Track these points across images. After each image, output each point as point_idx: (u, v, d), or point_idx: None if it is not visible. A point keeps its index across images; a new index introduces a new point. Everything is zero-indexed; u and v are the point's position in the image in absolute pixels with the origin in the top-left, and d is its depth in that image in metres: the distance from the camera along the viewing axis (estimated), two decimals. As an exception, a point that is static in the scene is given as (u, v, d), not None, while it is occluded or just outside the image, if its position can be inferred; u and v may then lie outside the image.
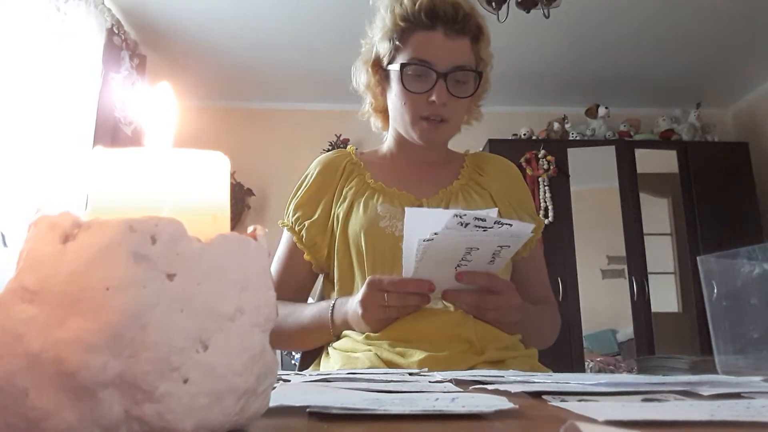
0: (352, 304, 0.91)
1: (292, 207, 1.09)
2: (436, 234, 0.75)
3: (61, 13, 2.59)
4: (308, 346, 1.06)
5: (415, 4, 1.00)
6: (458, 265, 0.84)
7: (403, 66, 1.01)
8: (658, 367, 2.32)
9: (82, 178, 2.56)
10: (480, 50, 1.06)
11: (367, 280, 0.89)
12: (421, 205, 1.03)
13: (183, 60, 3.60)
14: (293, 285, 1.09)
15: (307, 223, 1.05)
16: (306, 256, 1.05)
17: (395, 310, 0.88)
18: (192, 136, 0.42)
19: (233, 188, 3.83)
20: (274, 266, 1.10)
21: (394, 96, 1.06)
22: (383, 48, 1.06)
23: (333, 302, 0.96)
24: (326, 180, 1.09)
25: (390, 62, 1.05)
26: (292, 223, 1.07)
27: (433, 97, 0.99)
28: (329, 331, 0.95)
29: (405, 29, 1.02)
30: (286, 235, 1.10)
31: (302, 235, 1.05)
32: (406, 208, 0.82)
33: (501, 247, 0.80)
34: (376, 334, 0.91)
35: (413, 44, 1.02)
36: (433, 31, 1.00)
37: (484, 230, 0.76)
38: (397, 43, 1.03)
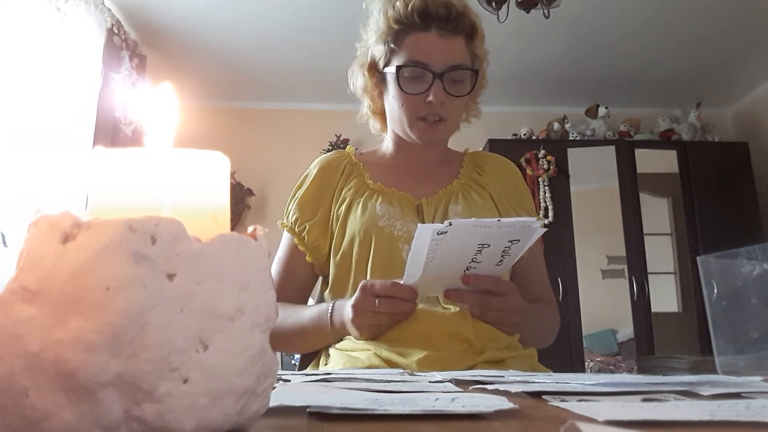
0: (346, 307, 0.90)
1: (291, 207, 1.09)
2: (450, 224, 0.75)
3: (61, 13, 2.59)
4: (306, 349, 1.05)
5: (407, 6, 1.01)
6: (468, 268, 0.84)
7: (399, 68, 1.02)
8: (658, 367, 2.33)
9: (82, 178, 2.56)
10: (475, 48, 1.06)
11: (360, 284, 0.88)
12: (420, 206, 1.03)
13: (183, 60, 3.60)
14: (294, 286, 1.08)
15: (308, 224, 1.05)
16: (308, 258, 1.05)
17: (386, 316, 0.87)
18: (192, 136, 0.42)
19: (233, 188, 3.83)
20: (275, 267, 1.09)
21: (391, 98, 1.06)
22: (378, 51, 1.06)
23: (333, 304, 0.95)
24: (325, 181, 1.09)
25: (386, 65, 1.05)
26: (291, 224, 1.07)
27: (431, 98, 0.99)
28: (328, 334, 0.94)
29: (399, 31, 1.02)
30: (286, 236, 1.10)
31: (304, 237, 1.05)
32: (419, 225, 0.80)
33: (511, 242, 0.80)
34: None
35: (408, 46, 1.02)
36: (427, 31, 1.01)
37: (498, 221, 0.76)
38: (392, 45, 1.03)
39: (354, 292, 0.94)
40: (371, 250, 0.98)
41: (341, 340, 0.96)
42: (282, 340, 1.00)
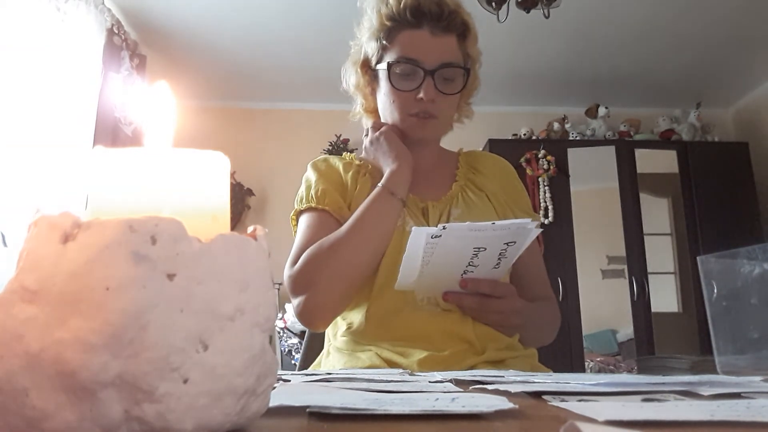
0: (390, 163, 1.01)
1: (308, 193, 1.04)
2: (444, 228, 0.75)
3: (61, 13, 2.59)
4: (372, 233, 0.95)
5: (400, 3, 1.01)
6: (465, 271, 0.84)
7: (390, 65, 1.02)
8: (658, 367, 2.32)
9: (82, 178, 2.56)
10: (467, 47, 1.06)
11: (369, 130, 1.04)
12: (426, 208, 1.03)
13: (183, 60, 3.60)
14: None
15: (334, 195, 1.02)
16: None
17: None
18: (192, 136, 0.42)
19: (233, 188, 3.83)
20: (304, 247, 0.99)
21: (383, 95, 1.06)
22: (371, 48, 1.06)
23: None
24: (329, 173, 1.07)
25: (378, 62, 1.05)
26: (315, 197, 1.02)
27: (421, 95, 0.99)
28: (389, 195, 0.96)
29: (391, 29, 1.02)
30: (306, 218, 1.03)
31: (334, 204, 1.01)
32: (413, 228, 0.79)
33: (507, 244, 0.80)
34: (376, 334, 0.90)
35: (400, 43, 1.02)
36: (419, 29, 1.01)
37: (493, 224, 0.76)
38: (384, 42, 1.03)
39: (366, 286, 0.93)
40: None
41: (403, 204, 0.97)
42: (345, 245, 0.93)
